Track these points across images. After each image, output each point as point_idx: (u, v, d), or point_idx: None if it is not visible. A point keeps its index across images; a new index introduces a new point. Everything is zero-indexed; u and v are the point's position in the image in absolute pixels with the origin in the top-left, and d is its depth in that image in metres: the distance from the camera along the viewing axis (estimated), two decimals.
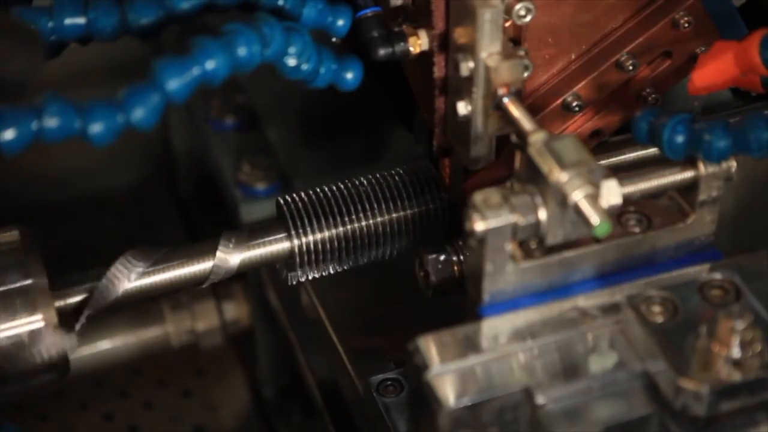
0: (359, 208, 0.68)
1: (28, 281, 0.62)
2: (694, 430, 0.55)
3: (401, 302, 0.73)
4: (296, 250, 0.67)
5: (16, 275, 0.63)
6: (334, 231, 0.67)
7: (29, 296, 0.62)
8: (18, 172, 0.93)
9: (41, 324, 0.62)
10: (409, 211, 0.68)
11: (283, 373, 0.90)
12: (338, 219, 0.67)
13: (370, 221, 0.68)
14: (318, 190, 0.68)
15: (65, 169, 1.01)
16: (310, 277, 0.68)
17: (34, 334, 0.62)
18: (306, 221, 0.67)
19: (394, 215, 0.68)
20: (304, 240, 0.67)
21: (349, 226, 0.67)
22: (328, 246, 0.67)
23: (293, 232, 0.67)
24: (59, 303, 0.64)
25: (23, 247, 0.63)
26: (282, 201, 0.68)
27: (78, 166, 1.01)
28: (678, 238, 0.60)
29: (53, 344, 0.63)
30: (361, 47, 0.65)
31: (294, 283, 0.68)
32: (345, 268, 0.69)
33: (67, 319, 0.64)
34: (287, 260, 0.67)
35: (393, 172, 0.69)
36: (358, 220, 0.68)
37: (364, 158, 0.84)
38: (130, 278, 0.64)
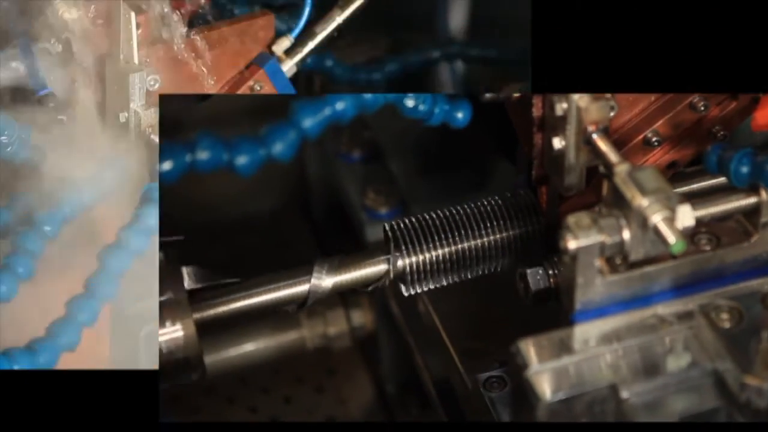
0: (468, 230, 0.69)
1: (169, 295, 0.64)
2: (756, 420, 0.57)
3: (505, 310, 0.73)
4: (406, 268, 0.68)
5: (161, 291, 0.65)
6: (444, 250, 0.68)
7: (170, 309, 0.64)
8: (179, 200, 0.85)
9: (180, 333, 0.64)
10: (511, 232, 0.69)
11: (403, 371, 0.92)
12: (447, 240, 0.68)
13: (478, 241, 0.69)
14: (429, 215, 0.69)
15: (216, 195, 1.04)
16: (425, 289, 0.70)
17: (173, 342, 0.64)
18: (413, 244, 0.68)
19: (498, 236, 0.69)
20: (411, 260, 0.68)
21: (459, 246, 0.68)
22: (436, 264, 0.68)
23: (400, 253, 0.68)
24: (197, 315, 0.66)
25: (166, 266, 0.65)
26: (388, 227, 0.68)
27: (226, 194, 1.04)
28: (743, 255, 0.62)
29: (191, 351, 0.65)
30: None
31: (408, 294, 0.69)
32: (455, 281, 0.70)
33: (204, 327, 0.66)
34: (401, 277, 0.69)
35: (498, 198, 0.70)
36: (467, 239, 0.69)
37: (473, 186, 0.85)
38: (324, 282, 0.67)
